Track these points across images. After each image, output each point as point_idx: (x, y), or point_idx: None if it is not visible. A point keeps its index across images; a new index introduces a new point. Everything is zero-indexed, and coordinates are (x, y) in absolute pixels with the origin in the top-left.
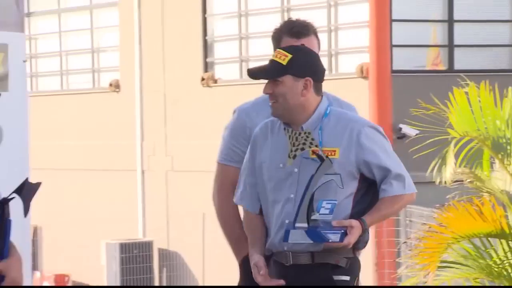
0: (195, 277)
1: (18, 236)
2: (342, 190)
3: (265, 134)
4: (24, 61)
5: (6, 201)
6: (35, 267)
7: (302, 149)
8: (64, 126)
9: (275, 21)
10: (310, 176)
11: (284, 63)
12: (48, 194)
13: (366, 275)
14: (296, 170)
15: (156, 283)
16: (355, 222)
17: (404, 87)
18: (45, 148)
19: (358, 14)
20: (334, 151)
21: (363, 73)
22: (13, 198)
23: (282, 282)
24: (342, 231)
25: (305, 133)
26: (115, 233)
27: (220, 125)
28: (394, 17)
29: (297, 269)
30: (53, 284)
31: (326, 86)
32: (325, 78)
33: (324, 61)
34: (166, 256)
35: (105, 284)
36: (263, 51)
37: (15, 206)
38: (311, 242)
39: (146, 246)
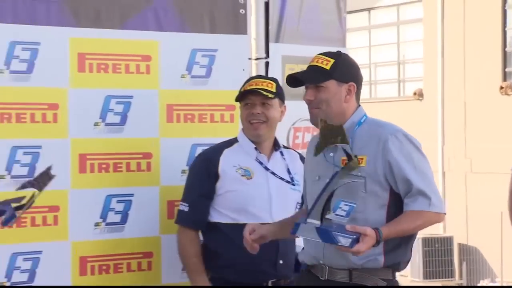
0: (493, 271)
1: None
2: (370, 199)
3: (311, 148)
4: None
5: None
6: None
7: (332, 143)
8: None
9: None
10: (334, 172)
11: (328, 68)
12: None
13: None
14: (328, 180)
15: (456, 276)
16: (370, 231)
17: None
18: None
19: None
20: (362, 159)
21: None
22: None
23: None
24: (355, 236)
25: (338, 126)
26: None
27: None
28: None
29: (332, 285)
30: None
31: None
32: None
33: None
34: (466, 251)
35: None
36: None
37: None
38: (319, 240)
39: (447, 241)
